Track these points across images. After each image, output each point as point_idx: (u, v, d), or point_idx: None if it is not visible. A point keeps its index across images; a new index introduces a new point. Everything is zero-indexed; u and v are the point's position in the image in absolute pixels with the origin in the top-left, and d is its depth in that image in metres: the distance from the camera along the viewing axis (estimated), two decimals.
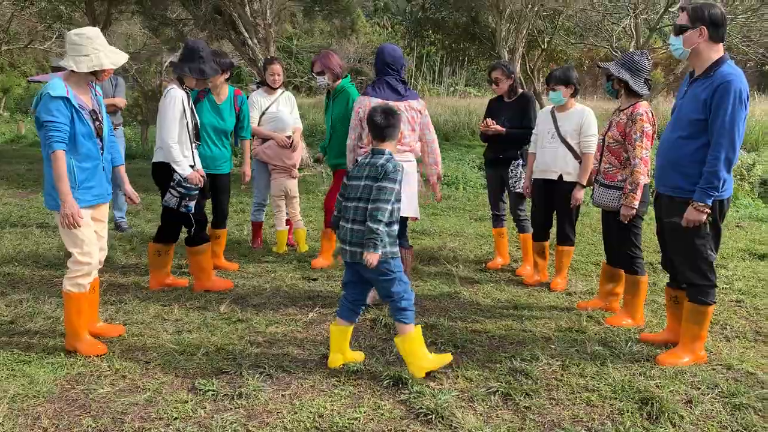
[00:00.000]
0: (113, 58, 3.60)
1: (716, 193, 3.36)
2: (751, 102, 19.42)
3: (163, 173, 4.54)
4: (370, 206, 3.25)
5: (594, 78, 28.77)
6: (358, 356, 3.60)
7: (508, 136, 5.35)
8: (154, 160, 4.65)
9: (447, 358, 3.48)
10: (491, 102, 5.70)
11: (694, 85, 3.48)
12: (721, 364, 3.63)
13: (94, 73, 3.59)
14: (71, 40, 3.52)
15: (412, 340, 3.39)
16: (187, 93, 4.56)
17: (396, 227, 3.38)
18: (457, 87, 36.71)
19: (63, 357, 3.57)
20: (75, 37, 3.51)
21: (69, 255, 3.62)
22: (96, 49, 3.52)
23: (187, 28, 13.66)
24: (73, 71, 3.52)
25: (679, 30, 3.45)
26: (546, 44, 17.43)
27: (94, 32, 3.57)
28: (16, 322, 4.10)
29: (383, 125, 3.40)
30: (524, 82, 18.03)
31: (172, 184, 4.45)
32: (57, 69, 33.74)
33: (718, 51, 3.41)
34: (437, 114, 21.23)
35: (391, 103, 4.01)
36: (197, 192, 4.54)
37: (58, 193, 3.44)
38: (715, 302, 3.63)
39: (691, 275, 3.57)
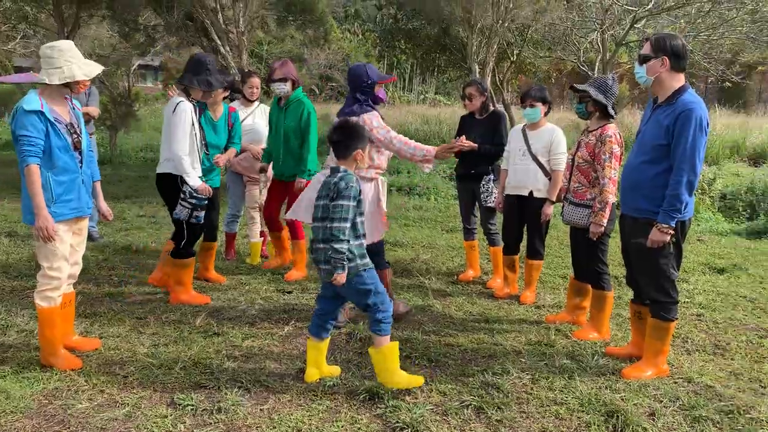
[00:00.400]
0: (86, 69, 3.60)
1: (679, 215, 3.54)
2: (711, 116, 19.95)
3: (169, 184, 4.62)
4: (328, 225, 3.34)
5: (561, 89, 29.31)
6: (335, 370, 3.67)
7: (480, 152, 5.47)
8: (159, 171, 4.70)
9: (418, 381, 3.50)
10: (463, 118, 5.83)
11: (657, 112, 3.66)
12: (682, 378, 3.79)
13: (68, 86, 3.60)
14: (44, 53, 3.54)
15: (386, 354, 3.47)
16: (194, 105, 4.64)
17: (363, 240, 3.47)
18: (427, 95, 37.01)
19: (38, 371, 3.57)
20: (47, 50, 3.53)
21: (39, 266, 3.63)
22: (68, 61, 3.53)
23: (159, 34, 13.63)
24: (47, 84, 3.53)
25: (643, 59, 3.63)
26: (515, 56, 17.76)
27: (66, 45, 3.59)
28: None
29: (333, 141, 3.50)
30: (494, 93, 18.33)
31: (182, 196, 4.54)
32: (20, 69, 33.04)
33: (679, 80, 3.60)
34: (407, 122, 21.38)
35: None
36: (207, 202, 4.65)
37: (33, 207, 3.44)
38: (676, 318, 3.80)
39: (655, 293, 3.74)
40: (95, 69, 3.66)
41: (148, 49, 14.80)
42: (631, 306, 4.13)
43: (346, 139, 3.47)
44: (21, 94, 19.60)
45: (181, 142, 4.48)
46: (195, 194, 4.54)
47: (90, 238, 6.60)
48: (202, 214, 4.64)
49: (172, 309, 4.67)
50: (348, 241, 3.32)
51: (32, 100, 3.47)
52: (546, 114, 5.07)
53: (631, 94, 17.32)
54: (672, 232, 3.55)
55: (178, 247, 4.73)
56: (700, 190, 10.49)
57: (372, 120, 4.25)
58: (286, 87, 5.34)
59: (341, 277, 3.32)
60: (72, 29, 15.06)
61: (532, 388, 3.58)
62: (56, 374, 3.54)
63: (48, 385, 3.42)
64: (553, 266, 6.38)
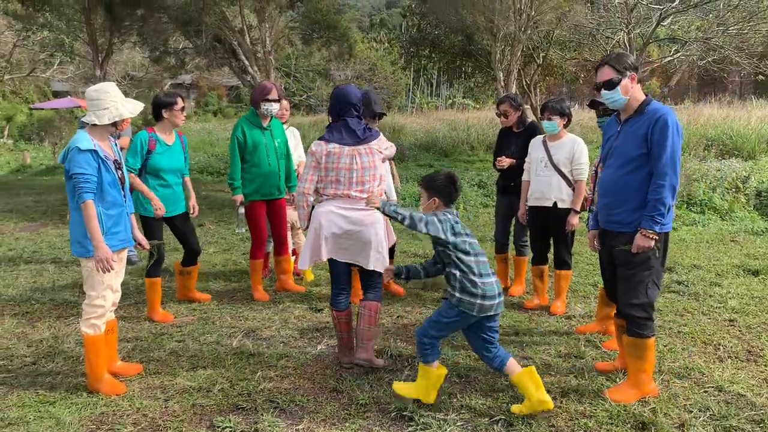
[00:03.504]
0: (130, 107, 3.83)
1: (662, 219, 3.48)
2: (747, 109, 19.27)
3: None
4: None
5: (592, 89, 29.02)
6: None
7: (519, 166, 5.53)
8: None
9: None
10: (501, 133, 5.90)
11: (627, 125, 3.64)
12: (713, 386, 3.79)
13: (114, 124, 3.82)
14: (90, 96, 3.76)
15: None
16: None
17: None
18: (455, 99, 37.00)
19: (85, 396, 3.75)
20: (93, 93, 3.75)
21: (84, 294, 3.82)
22: (114, 101, 3.76)
23: (188, 56, 13.98)
24: (95, 125, 3.74)
25: (613, 84, 3.58)
26: (542, 59, 17.70)
27: (110, 86, 3.81)
28: (38, 363, 4.28)
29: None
30: (521, 97, 18.25)
31: None
32: (58, 95, 34.13)
33: (640, 91, 3.66)
34: (435, 129, 21.45)
35: (346, 149, 4.04)
36: None
37: (92, 240, 3.64)
38: (653, 335, 3.65)
39: (631, 309, 3.63)
40: (138, 106, 3.89)
41: (179, 71, 15.17)
42: (615, 321, 4.03)
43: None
44: (59, 119, 20.32)
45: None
46: None
47: (129, 261, 6.85)
48: None
49: (209, 331, 4.84)
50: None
51: (85, 140, 3.68)
52: (566, 126, 5.12)
53: (661, 93, 17.08)
54: (656, 237, 3.49)
55: None
56: (734, 189, 10.34)
57: (381, 143, 4.21)
58: (279, 106, 5.54)
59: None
60: (106, 55, 15.58)
61: (561, 402, 3.62)
62: (102, 399, 3.71)
63: (95, 411, 3.59)
64: (584, 274, 6.39)
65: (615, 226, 3.72)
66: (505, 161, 5.58)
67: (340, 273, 4.21)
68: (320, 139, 4.15)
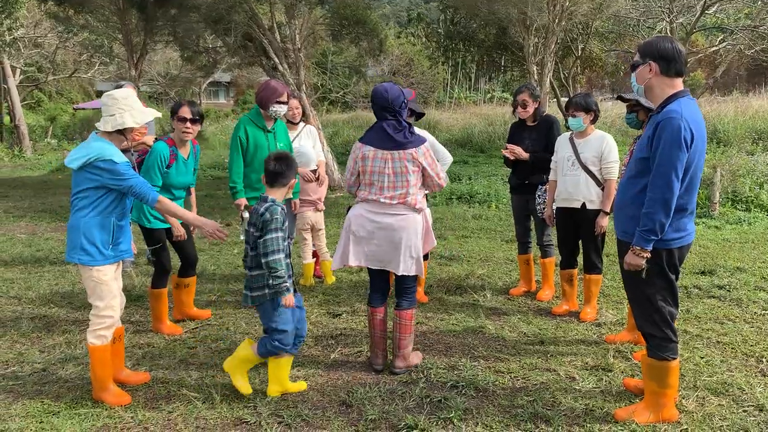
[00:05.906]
0: (138, 117, 3.66)
1: (654, 237, 3.10)
2: None
3: None
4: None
5: None
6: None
7: (532, 161, 5.29)
8: None
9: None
10: (513, 126, 5.64)
11: (649, 122, 3.26)
12: (753, 405, 3.49)
13: (122, 134, 3.68)
14: (102, 102, 3.67)
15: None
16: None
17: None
18: (494, 93, 36.50)
19: (90, 407, 3.66)
20: (105, 98, 3.66)
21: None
22: (121, 108, 3.62)
23: (220, 55, 13.98)
24: (108, 132, 3.63)
25: (633, 66, 3.28)
26: (580, 51, 17.20)
27: (122, 93, 3.67)
28: (48, 369, 4.21)
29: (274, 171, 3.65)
30: (558, 91, 17.80)
31: None
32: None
33: (673, 86, 3.18)
34: (471, 125, 21.14)
35: (380, 152, 3.87)
36: None
37: (186, 220, 3.89)
38: (675, 358, 3.27)
39: (645, 326, 3.31)
40: (148, 116, 3.73)
41: (211, 69, 15.21)
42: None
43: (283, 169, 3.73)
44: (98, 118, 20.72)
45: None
46: None
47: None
48: None
49: (223, 336, 4.72)
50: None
51: (115, 152, 3.57)
52: (593, 122, 4.83)
53: (707, 83, 16.40)
54: (646, 255, 3.14)
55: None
56: None
57: (429, 153, 3.96)
58: (286, 108, 5.31)
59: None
60: (140, 55, 15.74)
61: (584, 420, 3.38)
62: (106, 410, 3.61)
63: (97, 423, 3.49)
64: (618, 277, 6.07)
65: (619, 233, 3.38)
66: (517, 149, 5.31)
67: (374, 276, 4.14)
68: (360, 139, 4.03)
